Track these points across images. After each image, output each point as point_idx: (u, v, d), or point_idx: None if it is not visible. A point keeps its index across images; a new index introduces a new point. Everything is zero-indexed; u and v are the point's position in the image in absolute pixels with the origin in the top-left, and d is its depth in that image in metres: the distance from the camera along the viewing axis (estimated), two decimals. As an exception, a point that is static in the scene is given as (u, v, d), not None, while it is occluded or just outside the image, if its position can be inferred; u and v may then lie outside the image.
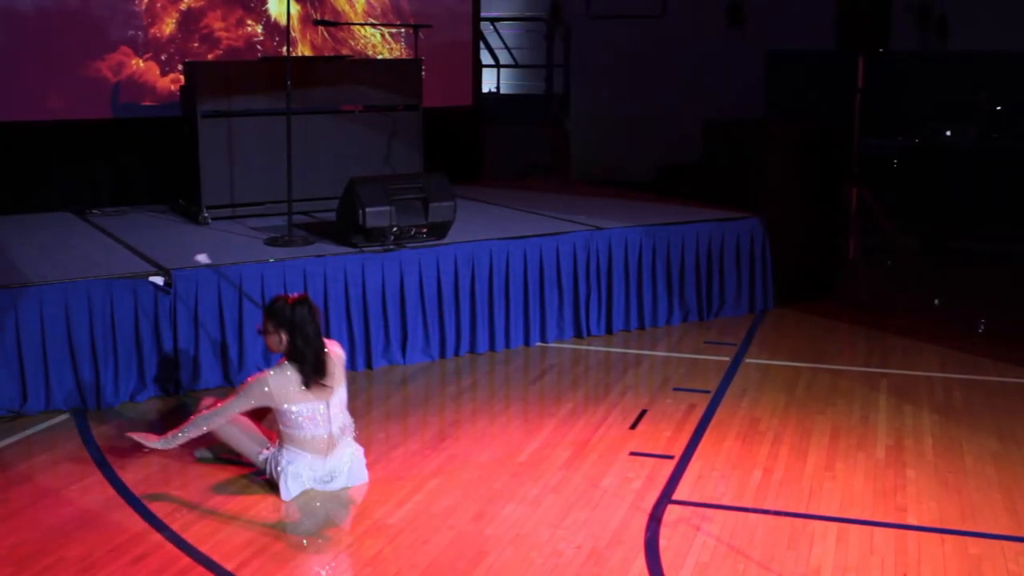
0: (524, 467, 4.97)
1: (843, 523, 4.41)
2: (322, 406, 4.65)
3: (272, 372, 4.62)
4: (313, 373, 4.61)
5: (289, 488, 4.61)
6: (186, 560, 4.05)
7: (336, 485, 4.71)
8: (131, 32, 8.16)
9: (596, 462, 5.03)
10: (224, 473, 4.86)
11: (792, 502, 4.61)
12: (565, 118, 12.86)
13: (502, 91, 13.39)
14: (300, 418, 4.61)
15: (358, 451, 4.81)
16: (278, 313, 4.66)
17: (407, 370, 6.47)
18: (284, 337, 4.64)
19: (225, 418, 4.65)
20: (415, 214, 6.62)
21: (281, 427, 4.68)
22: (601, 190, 9.44)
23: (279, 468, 4.64)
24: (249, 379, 4.67)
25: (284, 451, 4.67)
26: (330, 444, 4.69)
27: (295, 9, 8.58)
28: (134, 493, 4.63)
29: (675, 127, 11.30)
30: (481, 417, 5.61)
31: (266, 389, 4.58)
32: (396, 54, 9.34)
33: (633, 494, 4.67)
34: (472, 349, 6.79)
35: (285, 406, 4.60)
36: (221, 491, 4.67)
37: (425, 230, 6.66)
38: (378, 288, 6.43)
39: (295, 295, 4.76)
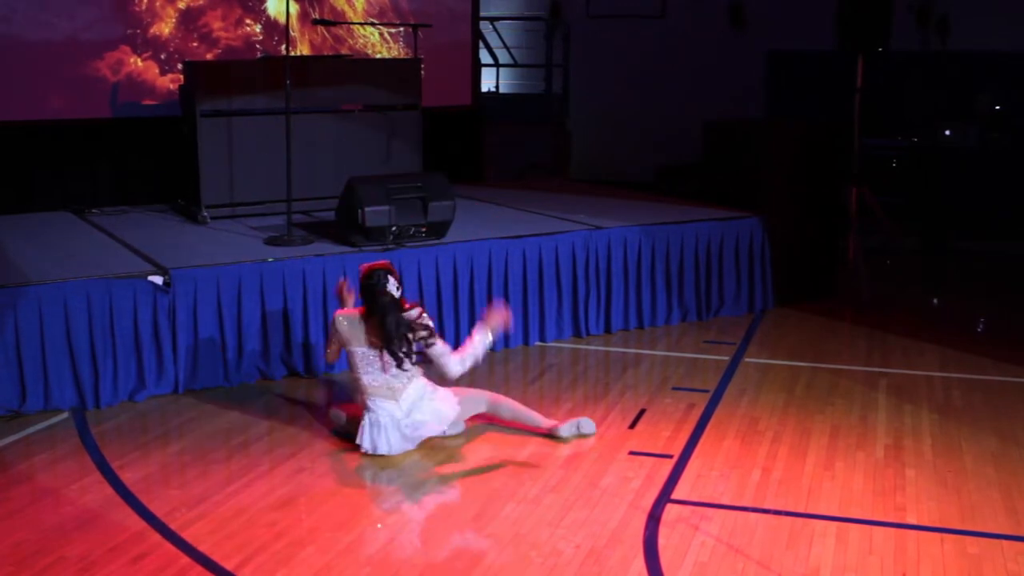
0: (523, 467, 4.97)
1: (842, 523, 4.40)
2: (373, 354, 5.05)
3: (342, 316, 5.17)
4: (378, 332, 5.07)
5: (368, 436, 5.04)
6: (186, 560, 4.05)
7: (419, 419, 5.06)
8: (130, 31, 8.17)
9: (595, 462, 5.03)
10: (224, 472, 4.87)
11: (791, 502, 4.60)
12: (565, 118, 12.86)
13: (501, 91, 13.37)
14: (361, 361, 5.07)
15: (428, 385, 5.15)
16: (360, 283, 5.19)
17: (407, 370, 6.46)
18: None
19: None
20: (415, 214, 6.62)
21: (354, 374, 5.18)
22: (601, 190, 9.43)
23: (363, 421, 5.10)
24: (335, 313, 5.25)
25: (368, 402, 5.10)
26: (391, 390, 5.05)
27: (294, 8, 8.59)
28: (133, 493, 4.63)
29: (675, 127, 11.31)
30: (480, 416, 5.60)
31: (338, 326, 5.14)
32: (395, 54, 9.34)
33: (632, 493, 4.67)
34: (471, 349, 6.79)
35: (351, 347, 5.10)
36: (221, 491, 4.67)
37: (424, 230, 6.66)
38: (378, 288, 6.41)
39: (371, 265, 5.18)
